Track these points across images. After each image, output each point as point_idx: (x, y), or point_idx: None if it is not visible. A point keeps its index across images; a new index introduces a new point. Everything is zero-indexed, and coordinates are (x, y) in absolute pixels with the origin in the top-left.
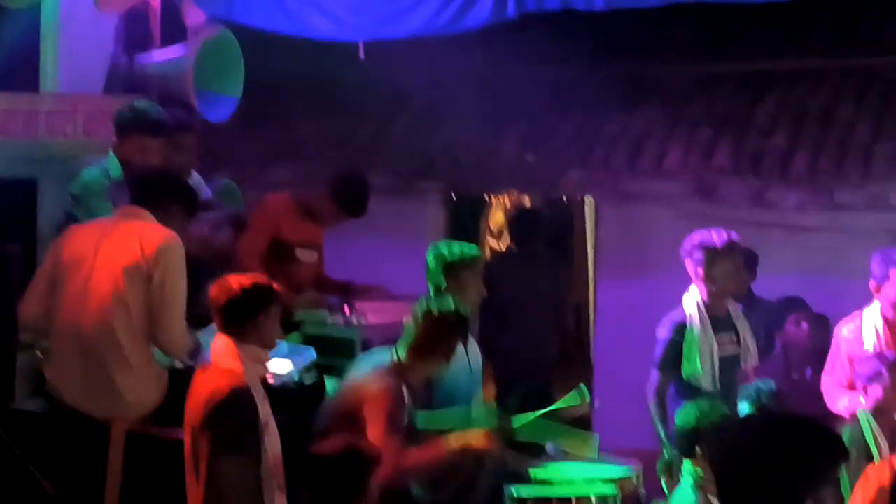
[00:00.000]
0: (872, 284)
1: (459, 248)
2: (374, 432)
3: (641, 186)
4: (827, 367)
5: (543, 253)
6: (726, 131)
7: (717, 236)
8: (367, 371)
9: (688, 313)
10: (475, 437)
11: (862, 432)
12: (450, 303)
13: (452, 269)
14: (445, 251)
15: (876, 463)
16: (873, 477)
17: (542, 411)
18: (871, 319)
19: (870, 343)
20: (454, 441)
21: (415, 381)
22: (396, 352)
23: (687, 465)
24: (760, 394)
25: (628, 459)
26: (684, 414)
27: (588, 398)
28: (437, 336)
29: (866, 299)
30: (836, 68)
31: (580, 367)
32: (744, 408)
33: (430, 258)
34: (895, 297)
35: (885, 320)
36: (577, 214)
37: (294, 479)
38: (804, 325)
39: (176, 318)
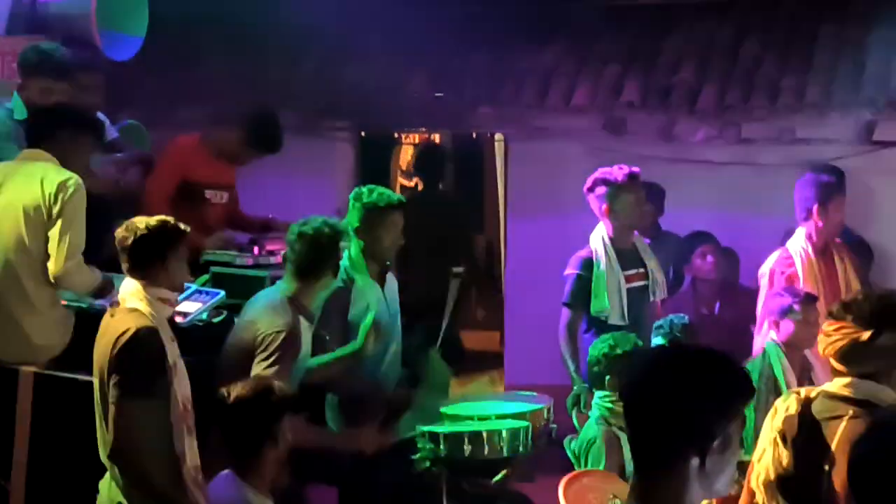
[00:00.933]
0: (798, 212)
1: (380, 193)
2: (267, 369)
3: (551, 122)
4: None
5: (453, 190)
6: (634, 67)
7: (618, 170)
8: (259, 310)
9: (594, 249)
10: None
11: (771, 367)
12: (318, 221)
13: (372, 213)
14: (366, 195)
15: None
16: (781, 407)
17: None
18: (795, 250)
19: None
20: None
21: (309, 306)
22: (283, 286)
23: (596, 399)
24: (673, 327)
25: (539, 395)
26: (596, 346)
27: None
28: (315, 254)
29: (775, 233)
30: (743, 2)
31: (492, 305)
32: (657, 342)
33: (351, 201)
34: (821, 224)
35: (808, 250)
36: (488, 151)
37: (205, 421)
38: (710, 258)
39: (70, 253)
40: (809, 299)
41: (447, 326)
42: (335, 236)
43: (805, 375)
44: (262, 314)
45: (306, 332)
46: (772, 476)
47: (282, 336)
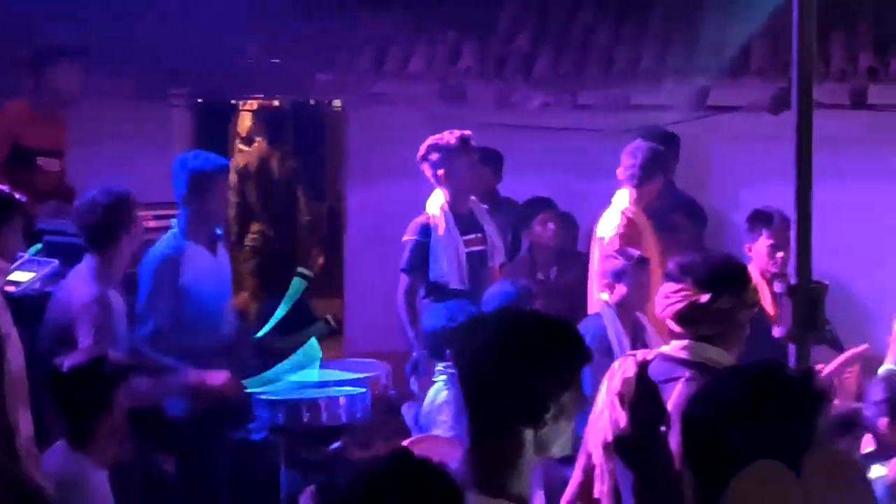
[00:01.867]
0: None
1: (206, 158)
2: (85, 341)
3: (388, 89)
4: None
5: (293, 157)
6: (471, 34)
7: (450, 135)
8: (70, 282)
9: (431, 215)
10: (214, 377)
11: (605, 329)
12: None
13: (197, 180)
14: (189, 160)
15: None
16: (619, 369)
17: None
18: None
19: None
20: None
21: (115, 274)
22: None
23: (439, 367)
24: (510, 295)
25: (378, 361)
26: (433, 317)
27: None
28: (108, 218)
29: (609, 196)
30: None
31: (333, 272)
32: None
33: (176, 168)
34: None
35: (638, 213)
36: (327, 118)
37: (39, 393)
38: (550, 225)
39: None
40: (641, 261)
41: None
42: (119, 205)
43: (639, 338)
44: (73, 286)
45: (117, 299)
46: (609, 438)
47: (93, 307)
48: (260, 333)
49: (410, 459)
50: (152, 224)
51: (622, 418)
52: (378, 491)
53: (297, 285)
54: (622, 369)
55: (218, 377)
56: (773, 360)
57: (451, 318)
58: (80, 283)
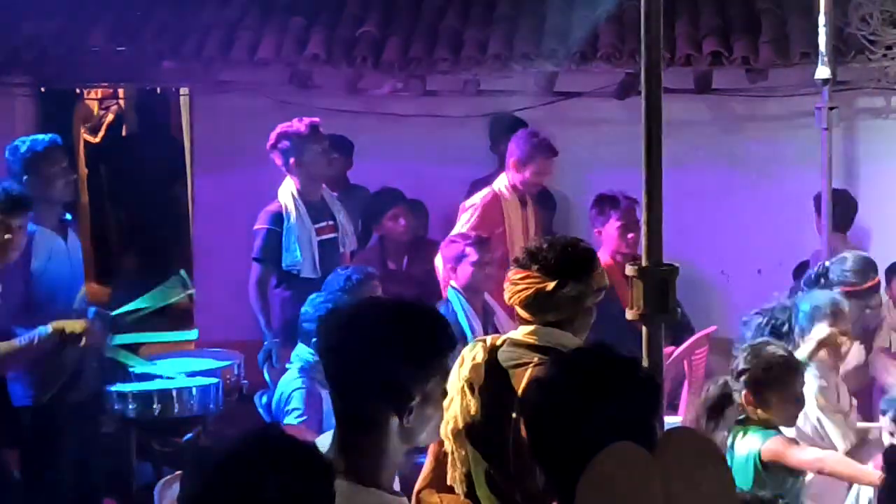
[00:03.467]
0: (513, 162)
1: (34, 139)
2: None
3: (236, 76)
4: None
5: (139, 145)
6: (319, 20)
7: (299, 123)
8: None
9: (283, 203)
10: (72, 324)
11: (455, 314)
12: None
13: (32, 162)
14: (20, 146)
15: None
16: (468, 355)
17: (143, 303)
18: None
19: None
20: (51, 325)
21: None
22: None
23: (297, 352)
24: (350, 276)
25: (230, 351)
26: (313, 303)
27: (189, 285)
28: None
29: (461, 183)
30: None
31: (180, 261)
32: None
33: (7, 156)
34: (530, 175)
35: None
36: (173, 106)
37: None
38: (401, 220)
39: None
40: (480, 241)
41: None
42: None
43: (489, 321)
44: None
45: None
46: (460, 424)
47: None
48: (114, 313)
49: (281, 435)
50: None
51: (472, 404)
52: (249, 465)
53: (173, 284)
54: (472, 355)
55: (77, 323)
56: (600, 344)
57: (312, 306)
58: None
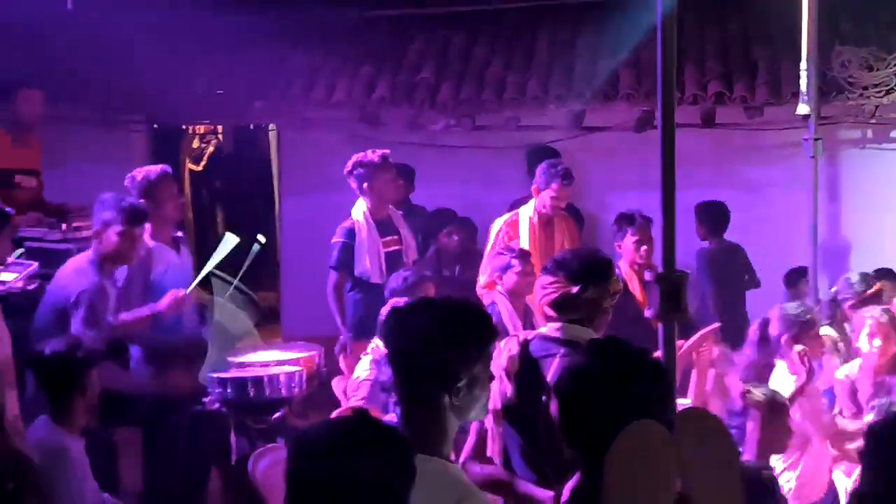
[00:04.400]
0: (535, 188)
1: (147, 170)
2: (76, 326)
3: (316, 115)
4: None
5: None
6: (385, 68)
7: (372, 154)
8: (68, 274)
9: (356, 220)
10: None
11: (500, 314)
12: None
13: (147, 188)
14: (137, 175)
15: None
16: (505, 348)
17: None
18: (524, 216)
19: (524, 234)
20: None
21: (111, 268)
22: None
23: (374, 342)
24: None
25: (311, 344)
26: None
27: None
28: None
29: (503, 203)
30: (473, 13)
31: (270, 269)
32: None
33: (126, 183)
34: (549, 199)
35: (534, 219)
36: (263, 139)
37: (23, 377)
38: (454, 237)
39: None
40: (524, 255)
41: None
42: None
43: (528, 319)
44: (68, 280)
45: (111, 290)
46: (498, 406)
47: (88, 294)
48: (194, 283)
49: (370, 419)
50: None
51: (509, 389)
52: (346, 445)
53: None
54: (507, 348)
55: (173, 385)
56: (614, 337)
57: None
58: (79, 273)
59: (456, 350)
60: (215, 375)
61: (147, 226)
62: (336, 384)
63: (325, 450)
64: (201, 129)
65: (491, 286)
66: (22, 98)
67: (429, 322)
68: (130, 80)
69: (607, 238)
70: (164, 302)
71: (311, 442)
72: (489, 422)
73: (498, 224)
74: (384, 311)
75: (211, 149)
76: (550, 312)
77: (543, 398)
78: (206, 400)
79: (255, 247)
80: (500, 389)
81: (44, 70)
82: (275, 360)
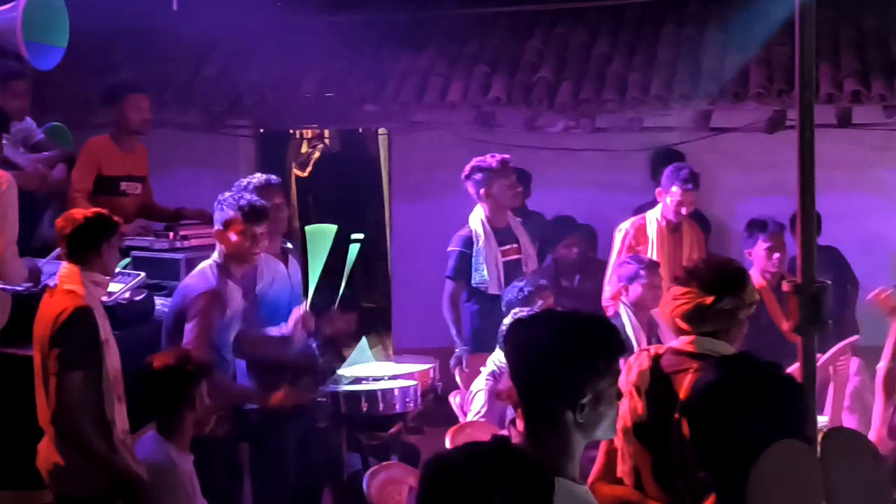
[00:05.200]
0: (659, 191)
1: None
2: (188, 333)
3: (428, 117)
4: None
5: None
6: (500, 67)
7: (491, 158)
8: (193, 276)
9: (473, 228)
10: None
11: (623, 326)
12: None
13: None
14: (243, 183)
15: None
16: (635, 363)
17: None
18: (652, 220)
19: (652, 240)
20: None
21: (236, 271)
22: (214, 255)
23: (493, 357)
24: (524, 287)
25: (426, 356)
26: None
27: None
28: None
29: (626, 209)
30: (593, 8)
31: (380, 279)
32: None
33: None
34: (674, 204)
35: (662, 224)
36: (372, 144)
37: (132, 390)
38: (574, 249)
39: (5, 244)
40: (652, 265)
41: (345, 286)
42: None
43: (653, 334)
44: (191, 280)
45: (235, 292)
46: (628, 423)
47: (204, 298)
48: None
49: (510, 446)
50: None
51: (639, 406)
52: (484, 474)
53: (353, 251)
54: (638, 362)
55: (276, 397)
56: (746, 352)
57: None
58: (198, 276)
59: (581, 364)
60: (328, 390)
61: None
62: (452, 399)
63: (463, 479)
64: (308, 133)
65: (616, 297)
66: (128, 103)
67: (552, 334)
68: (237, 84)
69: (735, 246)
70: (291, 323)
71: (449, 470)
72: (619, 441)
73: (624, 228)
74: (505, 322)
75: (318, 154)
76: (683, 325)
77: (676, 415)
78: (317, 415)
79: (353, 246)
80: (629, 406)
81: (150, 74)
82: (389, 374)
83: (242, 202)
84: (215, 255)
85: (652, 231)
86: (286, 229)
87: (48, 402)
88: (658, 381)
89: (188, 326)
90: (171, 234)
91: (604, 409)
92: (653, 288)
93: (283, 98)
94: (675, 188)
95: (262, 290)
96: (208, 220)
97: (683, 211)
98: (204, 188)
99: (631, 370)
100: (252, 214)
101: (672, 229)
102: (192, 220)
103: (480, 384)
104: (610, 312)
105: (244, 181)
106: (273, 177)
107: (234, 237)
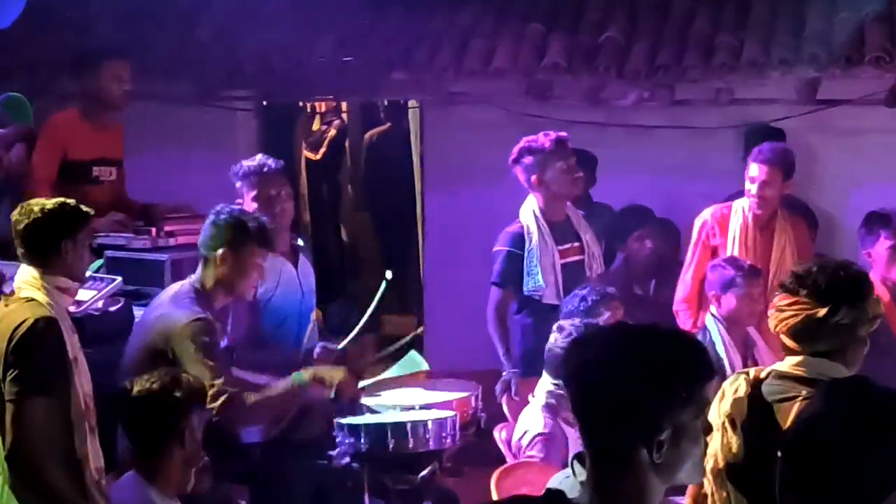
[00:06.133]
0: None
1: (259, 162)
2: (194, 368)
3: (469, 87)
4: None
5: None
6: (558, 26)
7: (545, 137)
8: (168, 305)
9: (525, 223)
10: (331, 372)
11: (713, 344)
12: (242, 214)
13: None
14: (241, 169)
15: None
16: (729, 389)
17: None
18: (738, 211)
19: (733, 235)
20: (308, 375)
21: (219, 305)
22: (195, 278)
23: (542, 384)
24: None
25: (466, 381)
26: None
27: (424, 365)
28: (231, 243)
29: (713, 199)
30: None
31: (409, 286)
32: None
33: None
34: (758, 194)
35: (749, 218)
36: (401, 120)
37: (107, 418)
38: (648, 242)
39: None
40: (752, 272)
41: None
42: (261, 234)
43: (749, 354)
44: (170, 310)
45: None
46: (720, 464)
47: (201, 326)
48: (343, 343)
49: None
50: None
51: (734, 442)
52: None
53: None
54: (733, 389)
55: (336, 372)
56: (860, 377)
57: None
58: (182, 301)
59: (658, 391)
60: (345, 422)
61: None
62: (498, 433)
63: None
64: (322, 106)
65: (691, 301)
66: (105, 71)
67: (621, 355)
68: (235, 48)
69: (850, 245)
70: (309, 379)
71: None
72: (709, 485)
73: (703, 217)
74: (558, 339)
75: (333, 132)
76: (789, 343)
77: (779, 453)
78: (332, 453)
79: (383, 284)
80: (722, 442)
81: (131, 38)
82: (420, 403)
83: (244, 220)
84: (194, 278)
85: (735, 224)
86: (291, 221)
87: (3, 435)
88: (758, 412)
89: (189, 359)
90: (154, 229)
91: (687, 446)
92: (751, 300)
93: (292, 65)
94: (751, 166)
95: (264, 294)
96: (190, 217)
97: (758, 200)
98: (194, 174)
99: (724, 398)
100: (262, 237)
101: (761, 224)
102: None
103: (535, 419)
104: (682, 319)
105: (238, 167)
106: (273, 161)
107: (228, 262)
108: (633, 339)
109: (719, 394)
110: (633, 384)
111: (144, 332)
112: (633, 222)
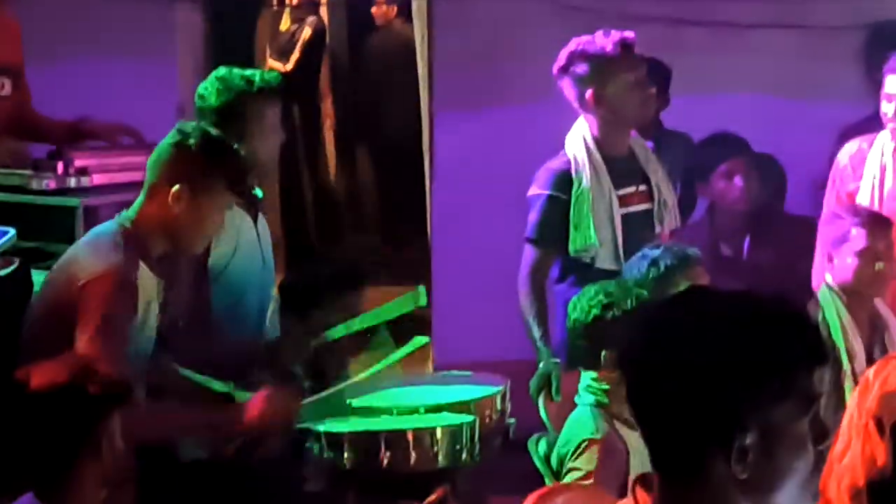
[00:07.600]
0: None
1: (252, 74)
2: (82, 338)
3: None
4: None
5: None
6: None
7: (604, 38)
8: (82, 247)
9: (572, 157)
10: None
11: (827, 322)
12: (209, 128)
13: (242, 102)
14: (230, 76)
15: (845, 366)
16: (874, 381)
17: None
18: (879, 147)
19: (869, 180)
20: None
21: (157, 253)
22: (127, 214)
23: (585, 378)
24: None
25: (489, 375)
26: (580, 304)
27: (424, 301)
28: (194, 178)
29: (832, 125)
30: None
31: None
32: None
33: (207, 86)
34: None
35: (891, 153)
36: (399, 13)
37: None
38: (738, 180)
39: None
40: (877, 221)
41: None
42: (230, 160)
43: (877, 336)
44: (82, 254)
45: (149, 280)
46: (860, 480)
47: (104, 283)
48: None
49: None
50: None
51: (880, 451)
52: None
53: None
54: (881, 379)
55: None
56: None
57: (606, 311)
58: (93, 248)
59: (737, 376)
60: (322, 429)
61: None
62: (534, 446)
63: None
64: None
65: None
66: None
67: (689, 328)
68: None
69: None
70: (254, 408)
71: None
72: None
73: (843, 155)
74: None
75: (308, 33)
76: None
77: None
78: (305, 472)
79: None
80: (864, 453)
81: None
82: (426, 404)
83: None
84: (126, 216)
85: (874, 163)
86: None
87: None
88: None
89: (81, 328)
90: (61, 164)
91: (784, 455)
92: (873, 260)
93: None
94: (888, 79)
95: (219, 261)
96: (123, 141)
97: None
98: (121, 88)
99: (868, 391)
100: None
101: None
102: (101, 142)
103: (584, 425)
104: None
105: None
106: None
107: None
108: (709, 306)
109: (860, 386)
110: (705, 366)
111: (46, 296)
112: (719, 157)
